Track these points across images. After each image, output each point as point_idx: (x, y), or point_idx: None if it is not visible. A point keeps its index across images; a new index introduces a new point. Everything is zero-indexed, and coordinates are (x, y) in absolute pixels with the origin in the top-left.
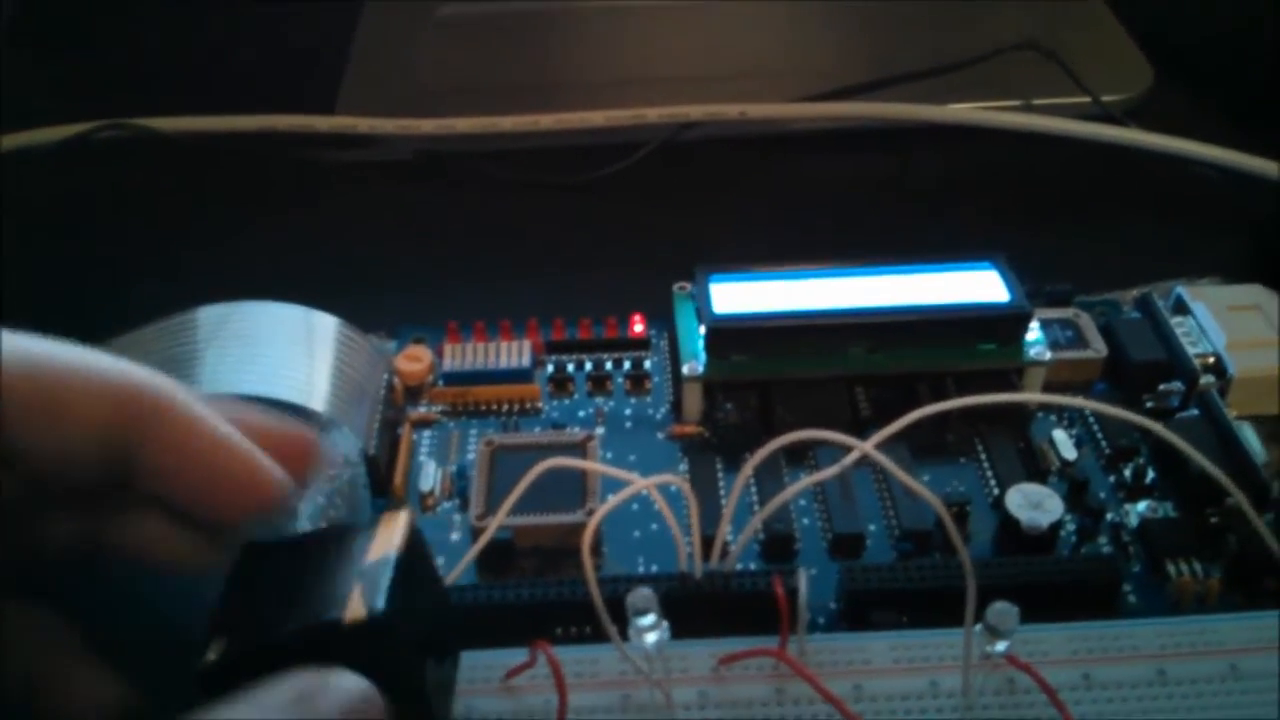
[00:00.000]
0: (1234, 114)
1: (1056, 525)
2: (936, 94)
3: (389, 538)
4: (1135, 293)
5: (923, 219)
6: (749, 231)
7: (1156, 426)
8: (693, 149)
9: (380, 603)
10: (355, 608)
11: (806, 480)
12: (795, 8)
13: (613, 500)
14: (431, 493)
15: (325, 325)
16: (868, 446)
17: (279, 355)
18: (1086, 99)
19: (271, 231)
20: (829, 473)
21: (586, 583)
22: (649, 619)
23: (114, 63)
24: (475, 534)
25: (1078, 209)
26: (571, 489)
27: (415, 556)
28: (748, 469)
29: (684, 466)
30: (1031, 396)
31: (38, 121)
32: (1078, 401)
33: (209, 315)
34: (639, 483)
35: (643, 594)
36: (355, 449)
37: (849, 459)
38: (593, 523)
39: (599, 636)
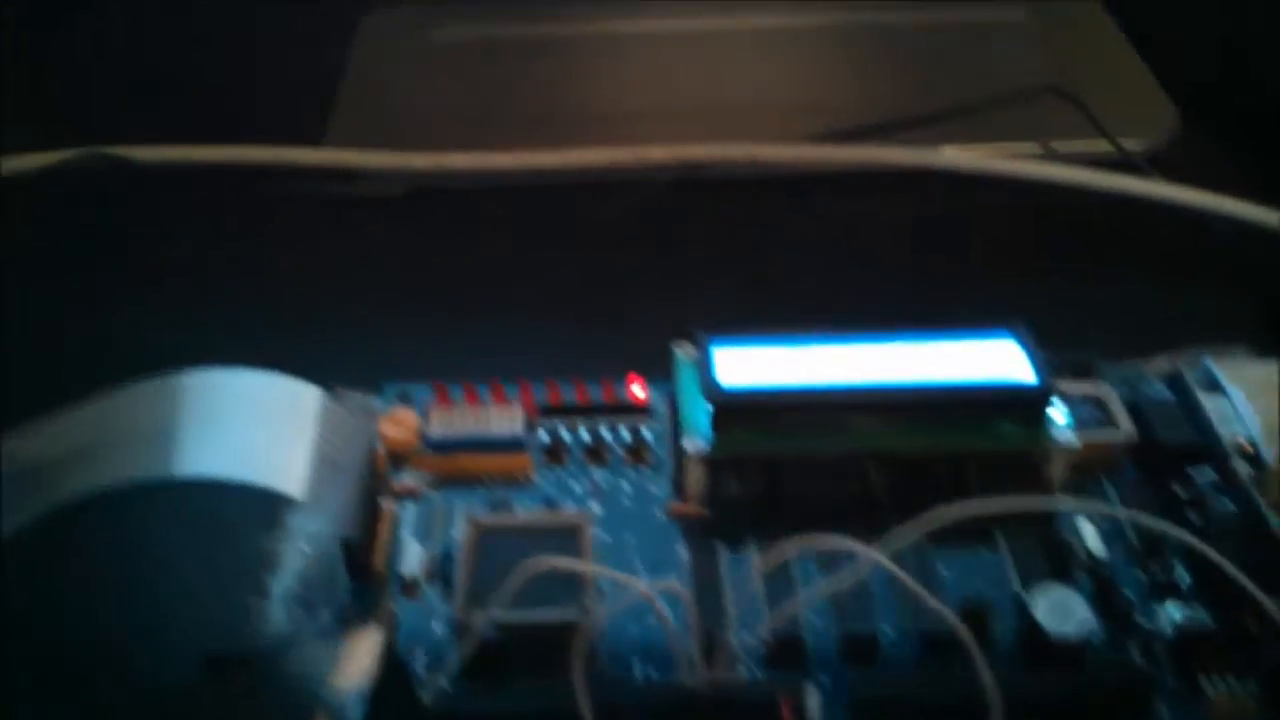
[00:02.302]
0: (1266, 164)
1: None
2: (953, 136)
3: (360, 662)
4: (1161, 363)
5: (933, 271)
6: (755, 281)
7: (1195, 541)
8: (699, 188)
9: None
10: None
11: (818, 590)
12: (807, 42)
13: (609, 608)
14: (414, 577)
15: (307, 399)
16: (879, 555)
17: (256, 434)
18: (1108, 146)
19: (253, 271)
20: (838, 582)
21: (577, 695)
22: None
23: (91, 89)
24: (459, 628)
25: (1094, 264)
26: (565, 580)
27: (389, 681)
28: (756, 575)
29: (684, 552)
30: (1061, 501)
31: (8, 148)
32: (1116, 511)
33: (187, 384)
34: (639, 588)
35: None
36: (330, 532)
37: (858, 568)
38: (585, 632)
39: None
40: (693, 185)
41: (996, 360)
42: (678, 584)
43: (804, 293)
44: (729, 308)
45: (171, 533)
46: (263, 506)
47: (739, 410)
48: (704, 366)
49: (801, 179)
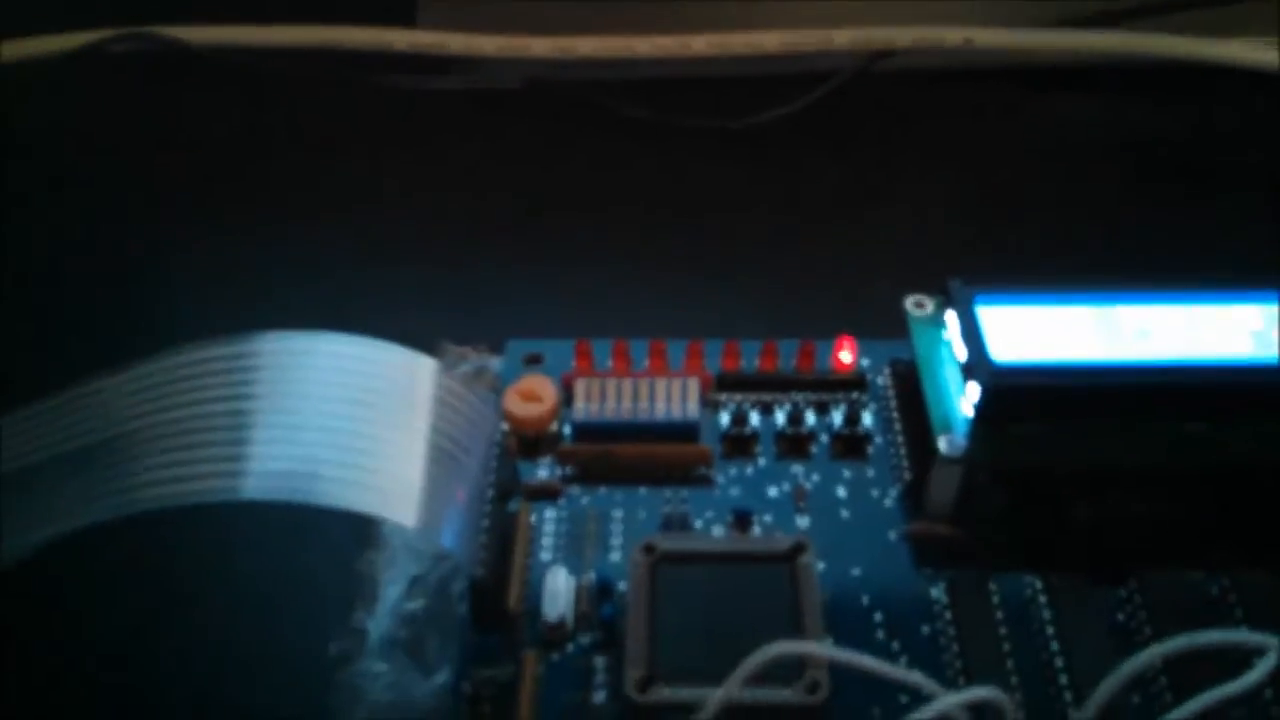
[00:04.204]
0: None
1: None
2: (1217, 27)
3: None
4: None
5: (1203, 199)
6: (977, 207)
7: None
8: (888, 84)
9: None
10: None
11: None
12: None
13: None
14: (562, 624)
15: (421, 376)
16: None
17: (353, 434)
18: None
19: (329, 181)
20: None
21: None
22: None
23: None
24: (631, 706)
25: None
26: (773, 630)
27: None
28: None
29: (938, 592)
30: None
31: (39, 28)
32: None
33: (260, 357)
34: (943, 699)
35: None
36: (447, 559)
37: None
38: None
39: None
40: (884, 80)
41: None
42: (998, 694)
43: (1049, 217)
44: (951, 240)
45: (237, 561)
46: (359, 531)
47: (1019, 396)
48: (968, 331)
49: (1013, 72)
